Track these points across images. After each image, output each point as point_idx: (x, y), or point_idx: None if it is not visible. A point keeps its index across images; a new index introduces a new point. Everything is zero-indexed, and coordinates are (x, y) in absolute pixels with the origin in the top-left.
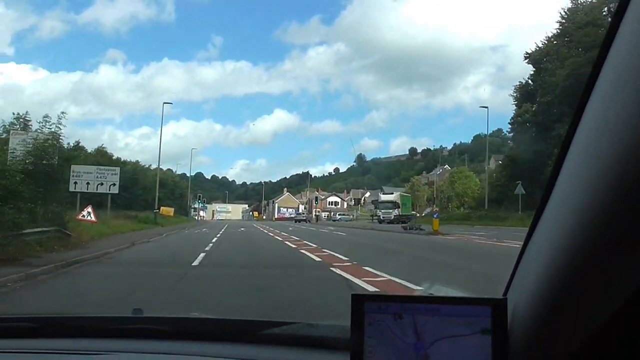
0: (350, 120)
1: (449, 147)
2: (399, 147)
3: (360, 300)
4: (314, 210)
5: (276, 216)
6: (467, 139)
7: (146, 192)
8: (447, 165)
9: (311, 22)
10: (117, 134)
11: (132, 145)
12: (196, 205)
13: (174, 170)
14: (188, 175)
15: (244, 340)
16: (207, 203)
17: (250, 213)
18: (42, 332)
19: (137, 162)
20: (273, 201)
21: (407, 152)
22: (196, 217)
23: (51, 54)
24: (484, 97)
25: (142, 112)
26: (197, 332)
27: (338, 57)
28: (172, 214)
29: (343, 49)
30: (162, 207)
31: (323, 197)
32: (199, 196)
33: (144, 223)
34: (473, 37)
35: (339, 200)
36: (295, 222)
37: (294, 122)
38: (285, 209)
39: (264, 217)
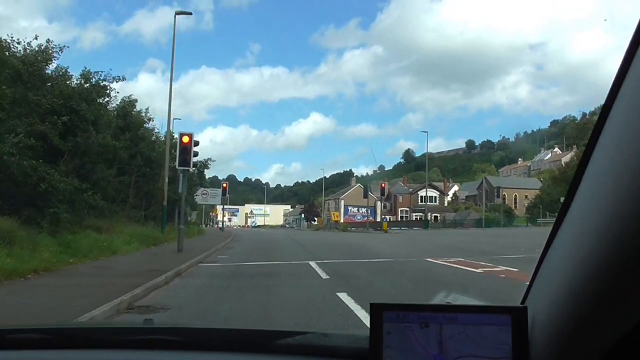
0: (385, 123)
1: (521, 135)
2: (433, 148)
3: (378, 309)
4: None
5: (342, 219)
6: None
7: None
8: (556, 149)
9: (349, 26)
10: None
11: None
12: (205, 200)
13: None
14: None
15: (257, 350)
16: (239, 204)
17: (301, 214)
18: (52, 343)
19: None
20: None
21: (464, 146)
22: (201, 226)
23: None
24: (522, 96)
25: (180, 119)
26: (209, 342)
27: (375, 60)
28: None
29: (380, 52)
30: None
31: (411, 191)
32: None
33: None
34: (512, 36)
35: (435, 194)
36: None
37: (329, 126)
38: (356, 209)
39: (324, 222)
